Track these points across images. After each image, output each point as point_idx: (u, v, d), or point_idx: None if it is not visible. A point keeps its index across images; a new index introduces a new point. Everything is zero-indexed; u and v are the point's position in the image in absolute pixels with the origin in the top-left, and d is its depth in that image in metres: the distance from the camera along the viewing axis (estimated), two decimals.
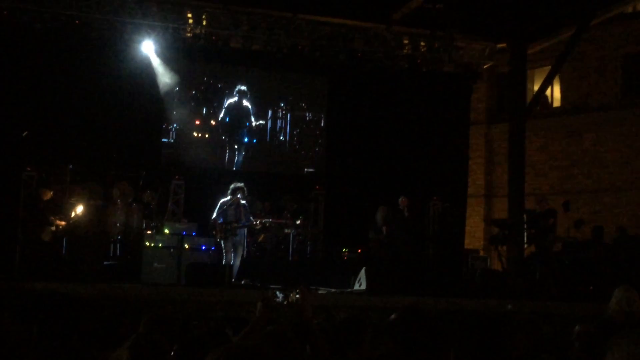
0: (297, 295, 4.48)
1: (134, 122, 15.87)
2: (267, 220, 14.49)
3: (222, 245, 13.43)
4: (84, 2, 14.94)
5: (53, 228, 12.96)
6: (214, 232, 13.50)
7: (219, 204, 13.39)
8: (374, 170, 17.14)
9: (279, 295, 4.53)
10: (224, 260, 13.32)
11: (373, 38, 16.75)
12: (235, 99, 16.94)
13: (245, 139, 17.17)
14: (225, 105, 16.93)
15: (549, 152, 20.58)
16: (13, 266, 12.74)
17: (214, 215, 13.33)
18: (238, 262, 13.46)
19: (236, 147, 17.11)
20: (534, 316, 10.79)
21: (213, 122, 17.00)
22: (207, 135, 16.99)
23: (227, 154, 17.08)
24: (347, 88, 17.42)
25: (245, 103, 17.02)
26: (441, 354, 3.55)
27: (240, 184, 13.46)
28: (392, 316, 3.27)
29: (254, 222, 13.95)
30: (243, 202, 13.45)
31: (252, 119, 17.06)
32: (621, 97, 19.69)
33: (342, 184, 17.03)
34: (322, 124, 17.66)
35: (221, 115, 16.95)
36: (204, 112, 16.99)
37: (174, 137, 16.73)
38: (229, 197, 13.31)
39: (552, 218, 14.67)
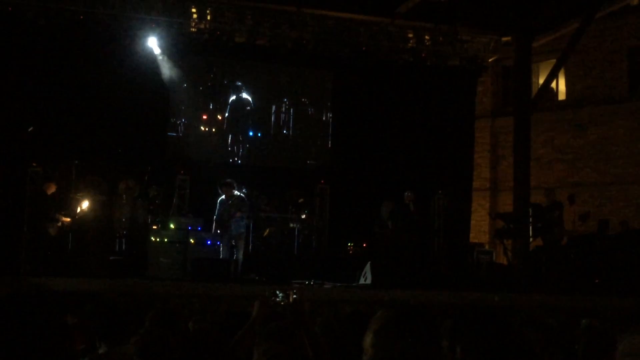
0: (295, 296, 4.44)
1: (139, 117, 15.89)
2: (243, 203, 14.23)
3: (221, 240, 13.71)
4: None
5: (59, 224, 12.99)
6: (213, 230, 13.83)
7: (218, 202, 13.73)
8: (379, 164, 17.13)
9: (278, 294, 4.50)
10: (220, 255, 13.51)
11: (377, 32, 16.72)
12: (235, 95, 16.98)
13: (250, 133, 17.19)
14: (229, 103, 16.98)
15: (554, 146, 20.54)
16: (19, 261, 12.76)
17: (216, 213, 13.69)
18: (241, 256, 13.58)
19: (241, 141, 17.11)
20: (540, 310, 10.80)
21: (219, 117, 17.02)
22: (213, 130, 17.01)
23: (232, 149, 17.09)
24: (351, 82, 17.39)
25: (245, 96, 17.04)
26: (446, 348, 3.55)
27: (227, 180, 13.79)
28: (377, 314, 3.25)
29: (239, 214, 13.88)
30: (239, 194, 13.71)
31: (252, 105, 17.08)
32: (627, 90, 19.63)
33: (347, 178, 17.02)
34: (326, 118, 17.64)
35: (226, 114, 16.99)
36: (211, 106, 17.01)
37: (182, 131, 16.76)
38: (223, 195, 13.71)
39: (558, 211, 14.65)
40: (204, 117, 16.94)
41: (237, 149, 17.10)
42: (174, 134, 16.72)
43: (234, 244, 13.74)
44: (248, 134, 17.17)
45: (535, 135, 18.44)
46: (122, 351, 4.75)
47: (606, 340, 4.46)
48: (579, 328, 5.33)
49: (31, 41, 15.12)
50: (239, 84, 16.99)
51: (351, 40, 16.65)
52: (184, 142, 16.72)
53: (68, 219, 13.05)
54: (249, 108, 17.09)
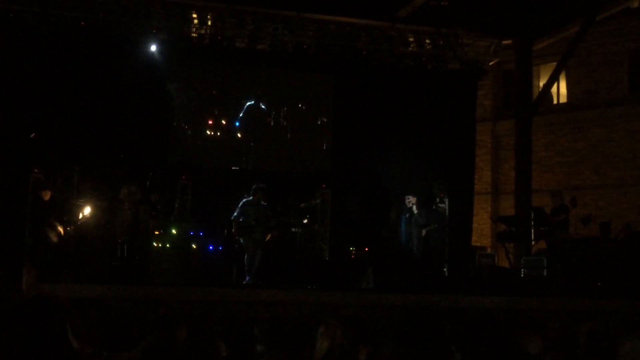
0: None
1: (141, 122, 15.89)
2: (275, 218, 14.41)
3: (242, 243, 13.58)
4: (89, 4, 15.00)
5: (61, 229, 13.00)
6: (233, 231, 13.70)
7: (241, 203, 13.63)
8: (380, 168, 17.11)
9: None
10: (245, 258, 13.42)
11: (378, 36, 16.73)
12: (253, 101, 16.98)
13: (253, 138, 17.20)
14: (245, 108, 16.98)
15: (555, 148, 20.55)
16: (21, 268, 12.75)
17: (235, 213, 13.57)
18: (258, 259, 13.53)
19: (244, 146, 17.09)
20: (542, 313, 10.80)
21: (224, 122, 17.01)
22: (218, 134, 17.00)
23: (237, 153, 17.05)
24: (352, 86, 17.39)
25: (253, 102, 17.07)
26: (446, 354, 3.56)
27: (262, 185, 13.71)
28: (396, 318, 3.29)
29: (271, 223, 13.98)
30: (264, 203, 13.69)
31: (262, 111, 17.13)
32: (628, 92, 19.64)
33: (348, 183, 17.01)
34: (327, 123, 17.63)
35: (233, 119, 16.97)
36: (216, 112, 16.98)
37: (184, 136, 16.72)
38: (251, 197, 13.58)
39: (564, 214, 14.63)
40: (210, 122, 16.93)
41: (239, 154, 17.07)
42: (176, 140, 16.69)
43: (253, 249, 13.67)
44: (251, 138, 17.15)
45: (537, 138, 18.46)
46: (127, 357, 4.77)
47: (607, 344, 4.46)
48: (580, 332, 5.34)
49: (32, 47, 15.13)
50: (260, 92, 17.03)
51: (352, 45, 16.66)
52: (186, 147, 16.71)
53: (61, 229, 13.03)
54: (255, 114, 17.10)
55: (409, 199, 15.01)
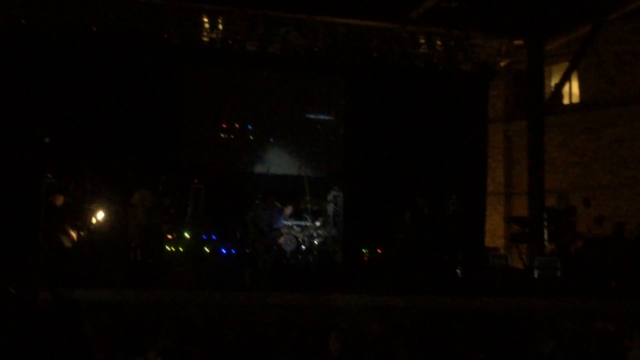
0: None
1: (153, 127, 15.97)
2: (290, 222, 14.51)
3: (255, 246, 13.61)
4: (100, 10, 15.07)
5: (74, 234, 13.04)
6: (246, 234, 13.74)
7: (254, 206, 13.69)
8: (393, 170, 17.11)
9: None
10: (259, 263, 13.45)
11: (389, 38, 16.74)
12: (255, 105, 17.04)
13: (265, 141, 17.25)
14: (255, 111, 17.04)
15: (568, 149, 20.46)
16: (35, 273, 12.80)
17: (248, 216, 13.60)
18: (270, 262, 13.59)
19: (256, 149, 17.12)
20: (555, 314, 10.76)
21: (237, 125, 17.04)
22: (231, 137, 17.04)
23: (250, 157, 17.07)
24: (363, 88, 17.42)
25: (266, 106, 17.14)
26: (459, 354, 3.56)
27: (274, 188, 13.83)
28: (407, 322, 3.30)
29: (282, 226, 14.09)
30: (278, 205, 13.75)
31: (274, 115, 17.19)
32: None
33: (361, 185, 17.01)
34: (339, 125, 17.64)
35: (244, 122, 17.01)
36: (228, 115, 17.02)
37: (196, 140, 16.76)
38: (263, 200, 13.65)
39: (572, 217, 14.57)
40: (223, 125, 16.96)
41: (251, 157, 17.09)
42: (189, 143, 16.72)
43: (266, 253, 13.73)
44: (263, 142, 17.18)
45: (549, 139, 18.39)
46: None
47: (617, 343, 4.44)
48: (591, 331, 5.33)
49: (44, 53, 15.24)
50: (262, 95, 17.07)
51: (363, 47, 16.67)
52: (198, 151, 16.75)
53: (74, 234, 13.06)
54: (267, 117, 17.16)
55: (420, 201, 15.00)
